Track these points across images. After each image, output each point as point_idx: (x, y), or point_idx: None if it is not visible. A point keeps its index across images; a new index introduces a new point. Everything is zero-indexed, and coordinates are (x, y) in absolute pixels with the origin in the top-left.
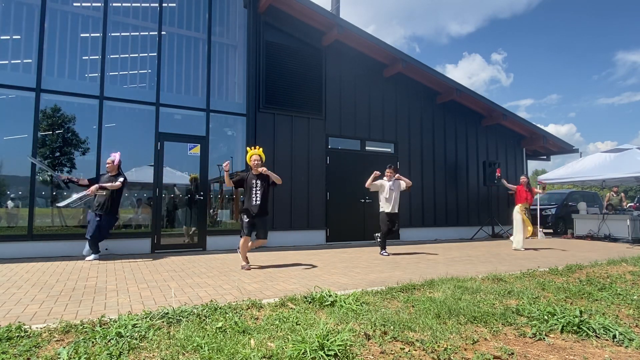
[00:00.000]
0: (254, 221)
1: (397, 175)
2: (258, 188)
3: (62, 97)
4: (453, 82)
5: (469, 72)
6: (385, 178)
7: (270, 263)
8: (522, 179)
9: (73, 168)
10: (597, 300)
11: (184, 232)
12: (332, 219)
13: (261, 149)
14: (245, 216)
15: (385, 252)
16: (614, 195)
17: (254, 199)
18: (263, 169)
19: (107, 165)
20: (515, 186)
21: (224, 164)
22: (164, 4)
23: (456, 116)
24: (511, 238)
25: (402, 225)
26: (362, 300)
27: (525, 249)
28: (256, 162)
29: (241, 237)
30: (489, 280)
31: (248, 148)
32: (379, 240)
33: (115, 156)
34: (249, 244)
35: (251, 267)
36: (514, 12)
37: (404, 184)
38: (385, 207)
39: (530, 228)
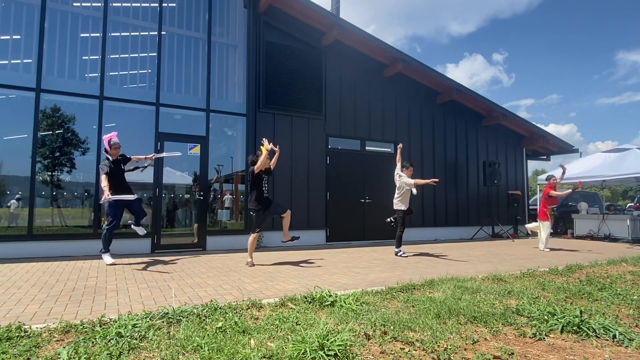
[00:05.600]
0: (268, 211)
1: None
2: (265, 181)
3: (62, 97)
4: (453, 82)
5: (470, 72)
6: (406, 173)
7: (270, 263)
8: (554, 179)
9: (73, 168)
10: (597, 300)
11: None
12: (332, 219)
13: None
14: (259, 211)
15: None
16: None
17: (265, 191)
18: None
19: (117, 151)
20: (564, 192)
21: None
22: (164, 4)
23: (456, 116)
24: (540, 245)
25: None
26: (362, 300)
27: (551, 249)
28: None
29: (251, 234)
30: (489, 280)
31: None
32: (393, 224)
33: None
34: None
35: (254, 264)
36: (514, 12)
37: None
38: (406, 204)
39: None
